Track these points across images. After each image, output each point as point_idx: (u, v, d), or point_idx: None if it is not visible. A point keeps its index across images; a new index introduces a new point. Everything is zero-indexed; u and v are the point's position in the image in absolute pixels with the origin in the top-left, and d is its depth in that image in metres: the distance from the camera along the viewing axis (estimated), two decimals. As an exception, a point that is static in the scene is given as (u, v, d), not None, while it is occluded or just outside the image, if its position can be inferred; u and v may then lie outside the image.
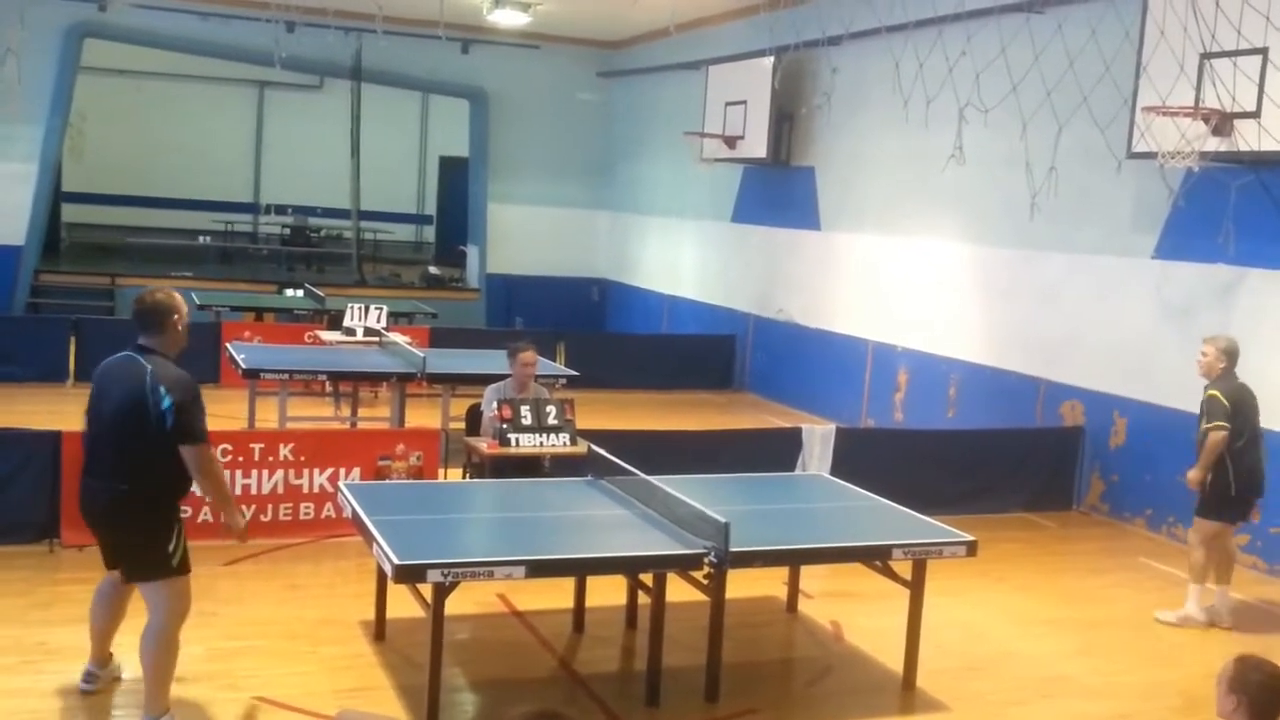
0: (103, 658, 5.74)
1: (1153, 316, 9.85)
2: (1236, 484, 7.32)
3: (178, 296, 5.65)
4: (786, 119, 14.50)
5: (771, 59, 14.03)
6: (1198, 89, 8.59)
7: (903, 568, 6.27)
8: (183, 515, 5.46)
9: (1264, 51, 8.18)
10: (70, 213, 21.34)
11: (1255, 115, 8.31)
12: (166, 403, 5.16)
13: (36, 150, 16.63)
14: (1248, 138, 8.41)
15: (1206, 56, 8.45)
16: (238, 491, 8.02)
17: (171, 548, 5.31)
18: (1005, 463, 10.16)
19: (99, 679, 5.69)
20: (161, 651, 5.31)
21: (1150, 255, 9.89)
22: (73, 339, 13.29)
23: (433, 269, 20.58)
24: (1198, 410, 7.52)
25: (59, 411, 10.37)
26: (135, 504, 5.25)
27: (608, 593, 6.78)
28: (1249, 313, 9.06)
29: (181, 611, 5.42)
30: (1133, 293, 10.05)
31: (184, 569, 5.40)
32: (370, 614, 6.58)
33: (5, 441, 7.84)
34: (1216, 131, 8.55)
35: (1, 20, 14.79)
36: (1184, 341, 9.49)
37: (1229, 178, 8.92)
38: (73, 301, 16.31)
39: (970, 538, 6.20)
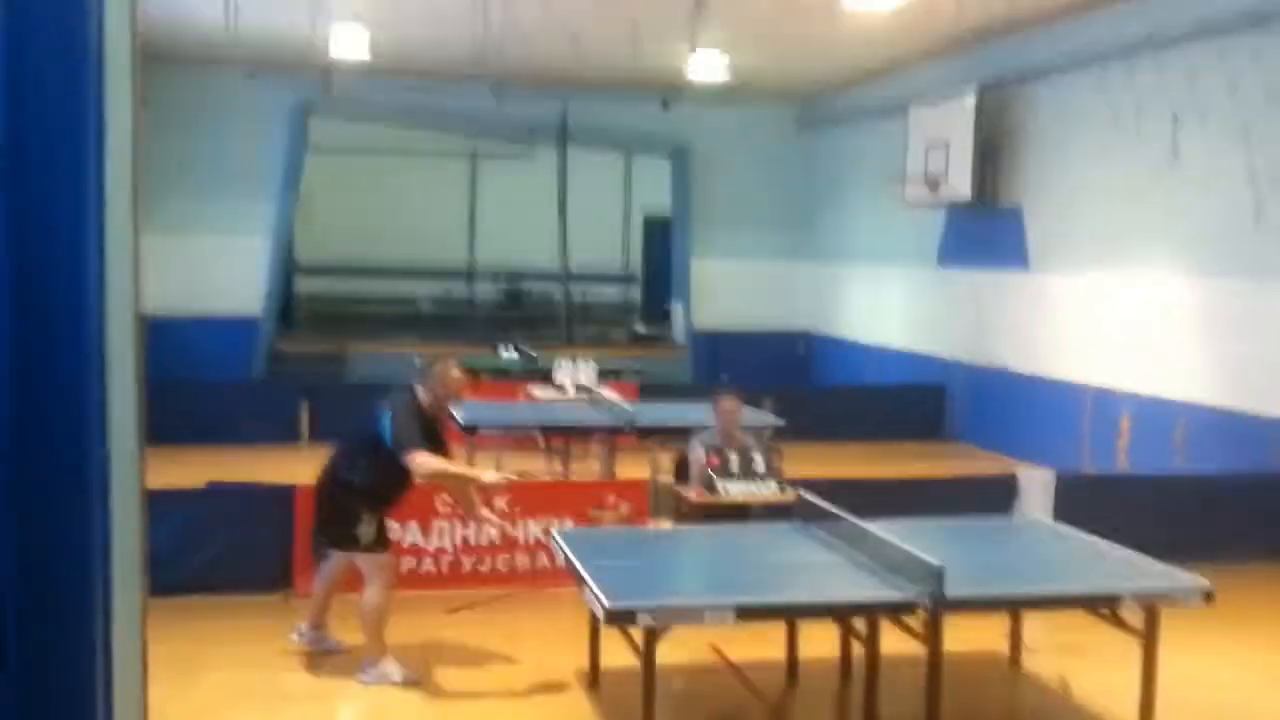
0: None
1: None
2: None
3: (449, 370, 6.76)
4: (990, 158, 14.18)
5: (973, 97, 13.81)
6: None
7: (1133, 617, 5.96)
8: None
9: None
10: (302, 284, 22.67)
11: None
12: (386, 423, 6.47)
13: (270, 225, 17.77)
14: None
15: None
16: (458, 542, 8.30)
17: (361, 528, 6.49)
18: (1242, 509, 9.55)
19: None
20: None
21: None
22: (305, 403, 14.07)
23: (639, 327, 20.88)
24: None
25: (294, 471, 10.92)
26: None
27: (821, 645, 6.68)
28: None
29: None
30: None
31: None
32: (585, 662, 6.67)
33: (246, 496, 8.33)
34: None
35: (228, 103, 16.01)
36: None
37: None
38: (306, 369, 17.26)
39: (1206, 583, 5.86)
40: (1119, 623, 6.02)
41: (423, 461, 6.42)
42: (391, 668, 6.53)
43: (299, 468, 11.24)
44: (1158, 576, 6.06)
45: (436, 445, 6.70)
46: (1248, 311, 10.65)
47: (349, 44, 14.90)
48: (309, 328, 20.97)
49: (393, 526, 7.18)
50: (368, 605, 6.51)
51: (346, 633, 7.09)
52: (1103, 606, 6.00)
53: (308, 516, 8.01)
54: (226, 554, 8.04)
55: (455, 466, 6.95)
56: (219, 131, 17.06)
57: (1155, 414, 11.73)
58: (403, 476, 6.57)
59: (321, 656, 6.92)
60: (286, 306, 20.26)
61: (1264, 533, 9.54)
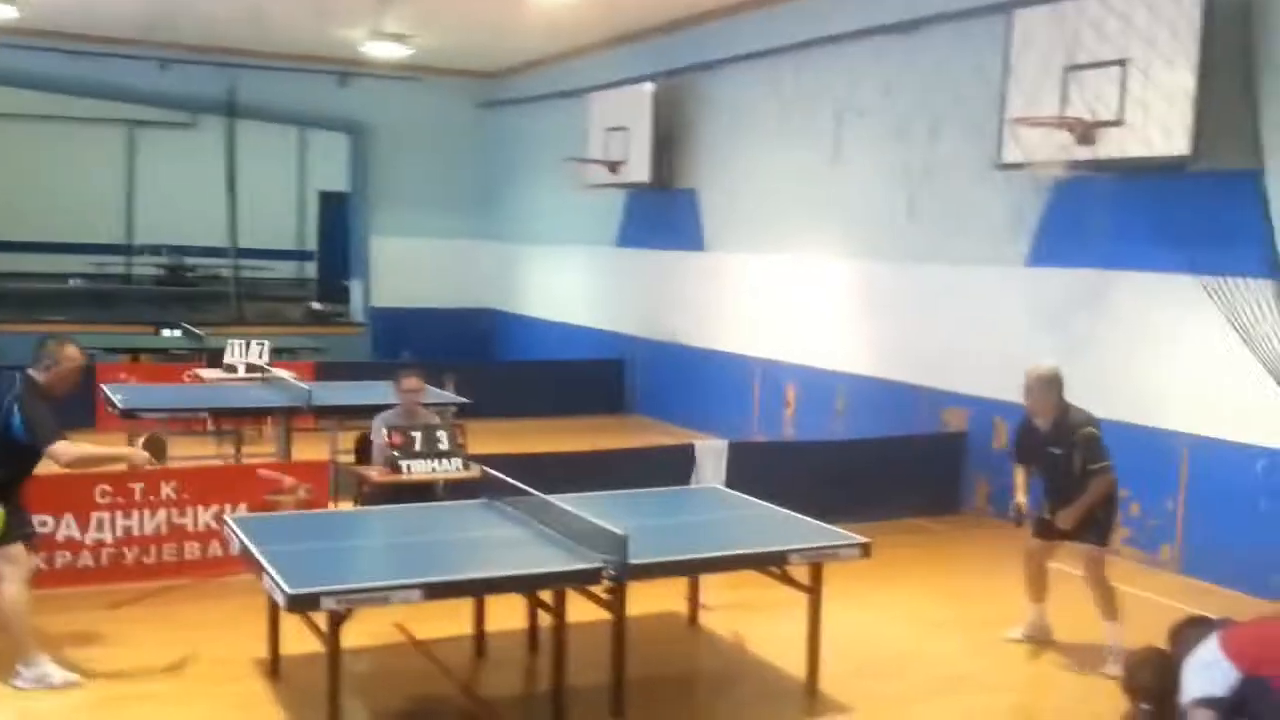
0: None
1: (1029, 322, 10.13)
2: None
3: (64, 347, 6.27)
4: (667, 143, 14.64)
5: (651, 85, 14.20)
6: (1062, 100, 8.90)
7: (800, 574, 6.32)
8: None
9: (1124, 62, 8.52)
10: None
11: (1118, 124, 8.63)
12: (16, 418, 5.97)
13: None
14: (1111, 146, 8.74)
15: (1070, 69, 8.80)
16: (119, 534, 7.76)
17: None
18: (895, 470, 10.33)
19: None
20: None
21: (1024, 263, 10.19)
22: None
23: (315, 305, 20.24)
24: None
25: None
26: None
27: (508, 617, 6.71)
28: (1119, 315, 9.40)
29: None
30: (1009, 300, 10.35)
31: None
32: (264, 651, 6.40)
33: None
34: (1082, 140, 8.86)
35: None
36: (1058, 345, 9.77)
37: (1095, 184, 9.26)
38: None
39: (864, 539, 6.29)
40: (787, 579, 6.37)
41: (64, 451, 6.03)
42: (49, 668, 6.05)
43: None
44: (821, 535, 6.46)
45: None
46: (900, 292, 11.52)
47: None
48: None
49: (33, 519, 6.50)
50: (6, 603, 6.00)
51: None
52: (772, 565, 6.33)
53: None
54: None
55: (100, 450, 6.53)
56: None
57: (818, 384, 12.52)
58: (29, 467, 6.19)
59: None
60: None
61: (914, 490, 10.37)
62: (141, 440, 6.36)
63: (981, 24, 9.69)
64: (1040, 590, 7.28)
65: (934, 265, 11.11)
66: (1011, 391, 10.21)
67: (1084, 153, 8.87)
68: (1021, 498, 7.20)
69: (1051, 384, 7.00)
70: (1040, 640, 7.24)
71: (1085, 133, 8.80)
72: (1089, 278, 9.61)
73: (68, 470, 6.37)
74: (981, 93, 9.39)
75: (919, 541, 9.70)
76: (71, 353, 6.27)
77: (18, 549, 6.10)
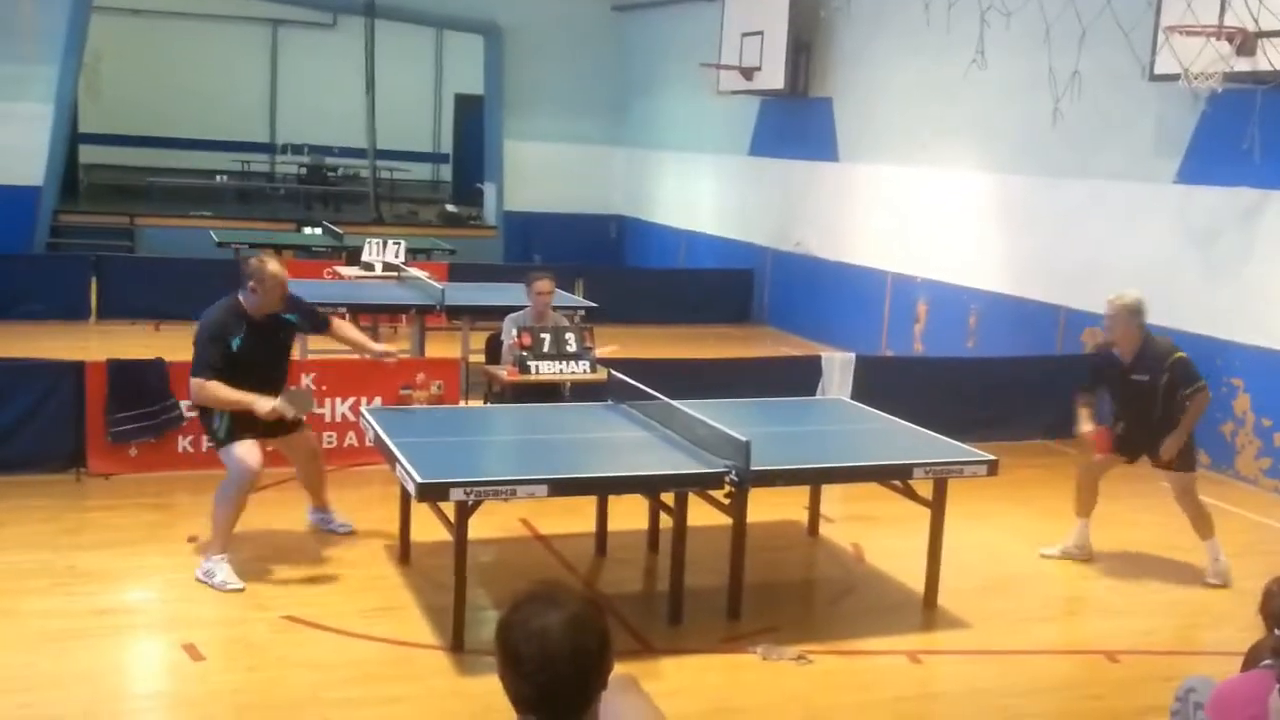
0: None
1: (1175, 242, 9.77)
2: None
3: (265, 265, 6.36)
4: (804, 49, 14.34)
5: (789, -13, 13.89)
6: (1221, 7, 8.44)
7: (923, 489, 6.29)
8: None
9: (1292, -33, 8.04)
10: (87, 154, 21.38)
11: (1281, 34, 8.18)
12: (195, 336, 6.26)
13: (52, 91, 16.58)
14: (1273, 57, 8.28)
15: (1232, -27, 8.33)
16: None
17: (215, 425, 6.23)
18: (1026, 391, 10.13)
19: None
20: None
21: (1172, 180, 9.79)
22: (94, 278, 13.36)
23: (450, 207, 20.52)
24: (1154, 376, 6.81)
25: (83, 347, 10.45)
26: None
27: (630, 517, 6.84)
28: (1273, 236, 8.99)
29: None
30: (1154, 218, 9.97)
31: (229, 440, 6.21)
32: (395, 538, 6.65)
33: (31, 371, 7.91)
34: (1241, 51, 8.42)
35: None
36: (1206, 267, 9.44)
37: (1253, 99, 8.80)
38: (92, 241, 16.35)
39: (990, 457, 6.22)
40: (910, 493, 6.35)
41: (198, 388, 6.14)
42: (217, 568, 6.10)
43: (88, 343, 10.76)
44: (946, 450, 6.40)
45: (264, 357, 6.31)
46: (1040, 207, 11.19)
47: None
48: (95, 199, 19.84)
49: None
50: (216, 497, 6.23)
51: (150, 512, 6.89)
52: (896, 479, 6.30)
53: (99, 393, 7.70)
54: (13, 432, 7.66)
55: (232, 394, 6.12)
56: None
57: (950, 300, 12.29)
58: (243, 374, 6.17)
59: (112, 534, 6.69)
60: (71, 177, 19.07)
61: (1045, 411, 10.15)
62: (284, 392, 6.32)
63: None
64: (1089, 506, 7.22)
65: (1077, 180, 10.74)
66: (1154, 313, 9.93)
67: (1244, 64, 8.43)
68: (1089, 426, 7.06)
69: (1136, 313, 6.86)
70: (1079, 558, 7.17)
71: (1246, 43, 8.35)
72: (1242, 197, 9.20)
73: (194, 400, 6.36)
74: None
75: (1048, 463, 9.54)
76: (274, 269, 6.30)
77: (242, 447, 6.17)
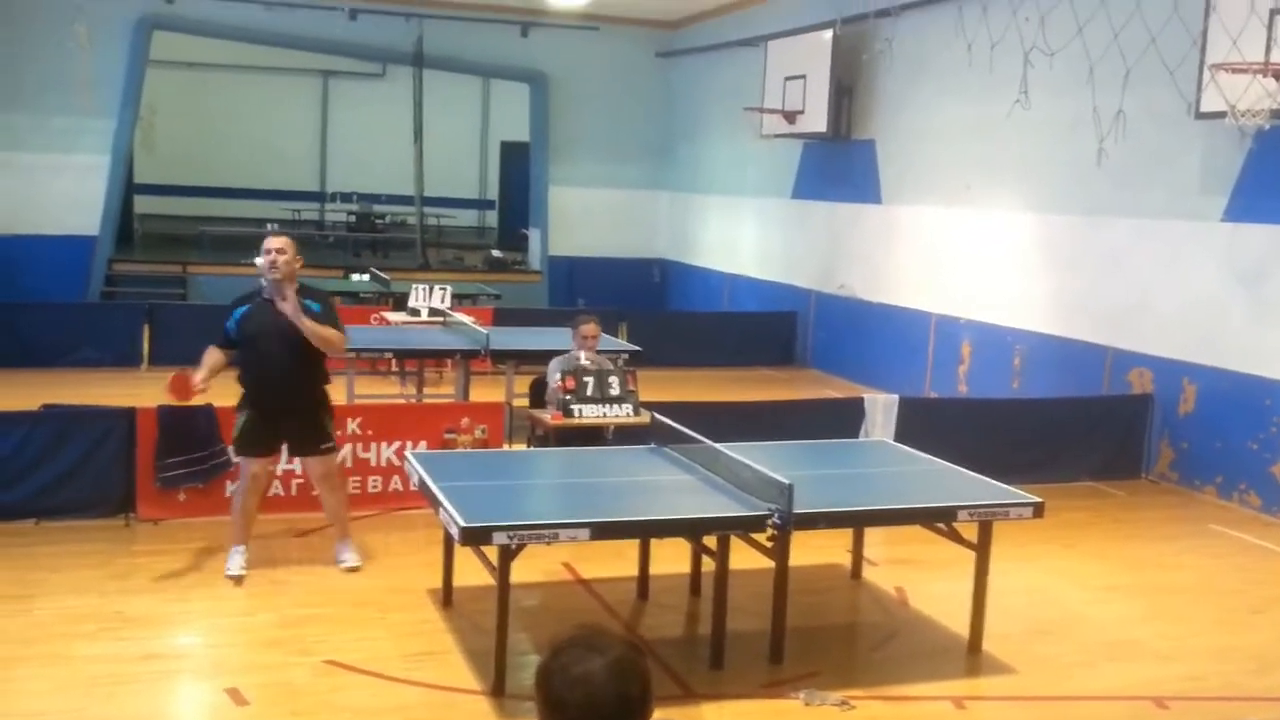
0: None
1: (1222, 281, 9.66)
2: None
3: (267, 238, 6.94)
4: (846, 92, 14.41)
5: (830, 31, 13.96)
6: (1268, 44, 8.39)
7: (968, 531, 6.22)
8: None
9: (1336, 4, 8.00)
10: (142, 204, 21.83)
11: (1328, 70, 8.12)
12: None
13: (109, 143, 16.99)
14: (1320, 94, 8.22)
15: (1279, 11, 8.28)
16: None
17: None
18: (1073, 431, 10.04)
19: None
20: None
21: (1219, 218, 9.70)
22: (147, 325, 13.61)
23: (495, 252, 20.71)
24: None
25: (135, 394, 10.59)
26: None
27: (672, 560, 6.82)
28: (1323, 274, 8.88)
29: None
30: (1201, 257, 9.88)
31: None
32: (438, 582, 6.68)
33: (83, 419, 8.04)
34: (1288, 88, 8.36)
35: (71, 15, 15.16)
36: (1254, 306, 9.33)
37: (1301, 136, 8.73)
38: (146, 289, 16.65)
39: (1036, 499, 6.15)
40: (955, 536, 6.28)
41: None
42: (232, 559, 6.87)
43: (140, 390, 10.92)
44: (991, 492, 6.34)
45: (276, 335, 6.69)
46: (1085, 247, 11.11)
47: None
48: (149, 248, 20.25)
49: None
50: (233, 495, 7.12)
51: (195, 557, 6.98)
52: (940, 521, 6.24)
53: (149, 440, 7.82)
54: (66, 478, 7.78)
55: (204, 361, 6.77)
56: (57, 46, 16.14)
57: (995, 341, 12.21)
58: (251, 367, 6.87)
59: (165, 581, 6.78)
60: (126, 227, 19.48)
61: (1093, 452, 10.07)
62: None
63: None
64: None
65: (1122, 218, 10.67)
66: (1202, 353, 9.84)
67: (1290, 102, 8.37)
68: None
69: None
70: None
71: (1293, 80, 8.29)
72: (1292, 235, 9.10)
73: None
74: (1179, 35, 8.92)
75: (1095, 505, 9.43)
76: (267, 242, 6.83)
77: (245, 461, 6.93)
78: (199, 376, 6.62)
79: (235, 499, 7.05)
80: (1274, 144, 8.96)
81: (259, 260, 6.75)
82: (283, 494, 8.11)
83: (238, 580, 6.78)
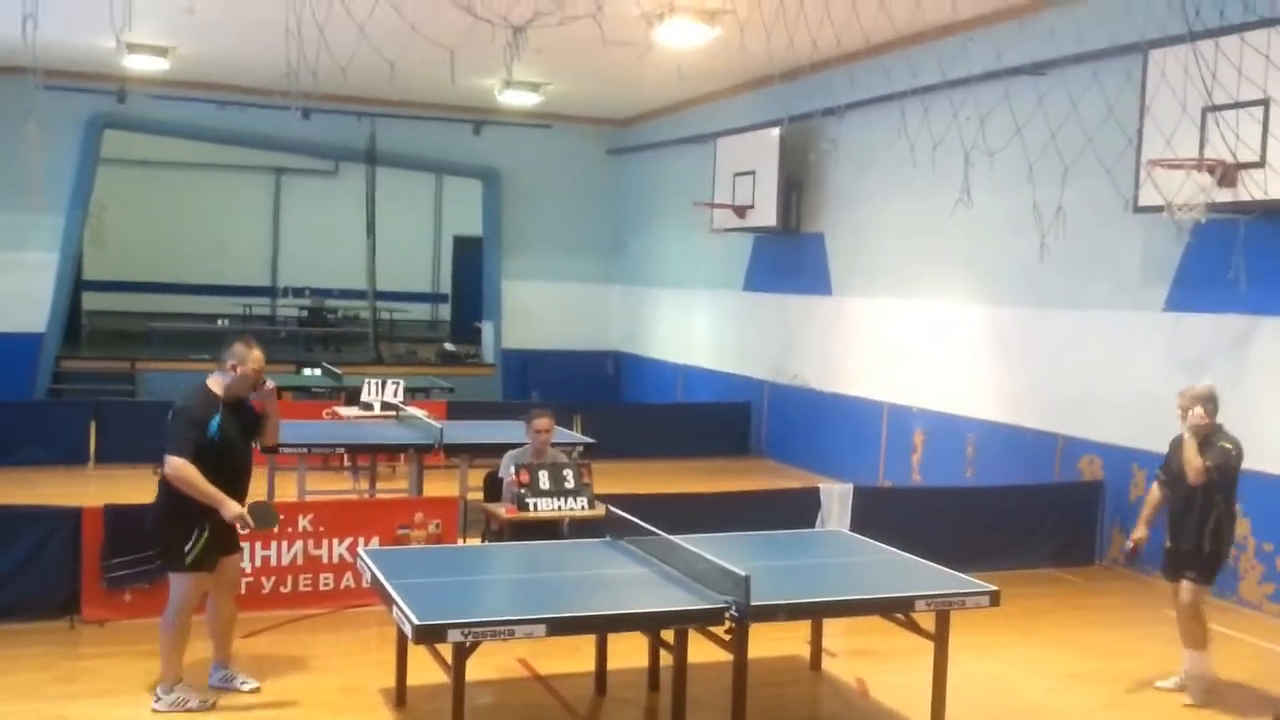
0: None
1: (1166, 368, 9.83)
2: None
3: (250, 349, 6.47)
4: (795, 187, 14.67)
5: (778, 129, 14.25)
6: (1201, 141, 8.68)
7: (926, 620, 6.22)
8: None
9: (1266, 102, 8.29)
10: (91, 300, 21.65)
11: (1261, 165, 8.39)
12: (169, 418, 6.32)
13: (58, 240, 16.92)
14: (1253, 188, 8.48)
15: (1210, 109, 8.56)
16: (257, 564, 8.04)
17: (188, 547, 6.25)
18: (1027, 518, 10.12)
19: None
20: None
21: (1161, 308, 9.92)
22: (93, 423, 13.42)
23: (449, 346, 20.72)
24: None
25: (81, 493, 10.42)
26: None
27: (629, 655, 6.75)
28: (1262, 361, 9.07)
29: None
30: (1145, 346, 10.07)
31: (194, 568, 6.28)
32: (391, 681, 6.56)
33: (28, 518, 7.88)
34: (1223, 182, 8.62)
35: (21, 114, 15.14)
36: (1200, 392, 9.49)
37: (1236, 228, 8.98)
38: (94, 386, 16.46)
39: (993, 588, 6.16)
40: (913, 626, 6.28)
41: (177, 467, 6.16)
42: (188, 694, 6.29)
43: (86, 488, 10.75)
44: (948, 581, 6.35)
45: (241, 437, 6.49)
46: (1032, 337, 11.31)
47: (147, 57, 14.46)
48: (97, 345, 20.05)
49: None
50: (166, 626, 6.29)
51: (144, 660, 6.80)
52: (898, 611, 6.24)
53: (95, 539, 7.66)
54: (9, 579, 7.60)
55: (206, 487, 6.21)
56: (6, 144, 16.11)
57: (947, 430, 12.32)
58: (219, 474, 6.29)
59: (106, 683, 6.59)
60: (74, 323, 19.30)
61: (1047, 539, 10.14)
62: (249, 504, 6.43)
63: (1115, 64, 9.51)
64: (1199, 636, 7.02)
65: (1067, 310, 10.89)
66: (1149, 439, 9.95)
67: (1225, 195, 8.63)
68: (1140, 533, 7.15)
69: (1207, 400, 6.88)
70: (1199, 690, 6.99)
71: (1226, 174, 8.56)
72: (1231, 324, 9.32)
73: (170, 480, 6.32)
74: (1115, 134, 9.20)
75: (1052, 592, 9.46)
76: (257, 355, 6.45)
77: (197, 579, 6.30)
78: (237, 512, 6.31)
79: (179, 625, 6.29)
80: (1211, 236, 9.21)
81: (241, 369, 6.39)
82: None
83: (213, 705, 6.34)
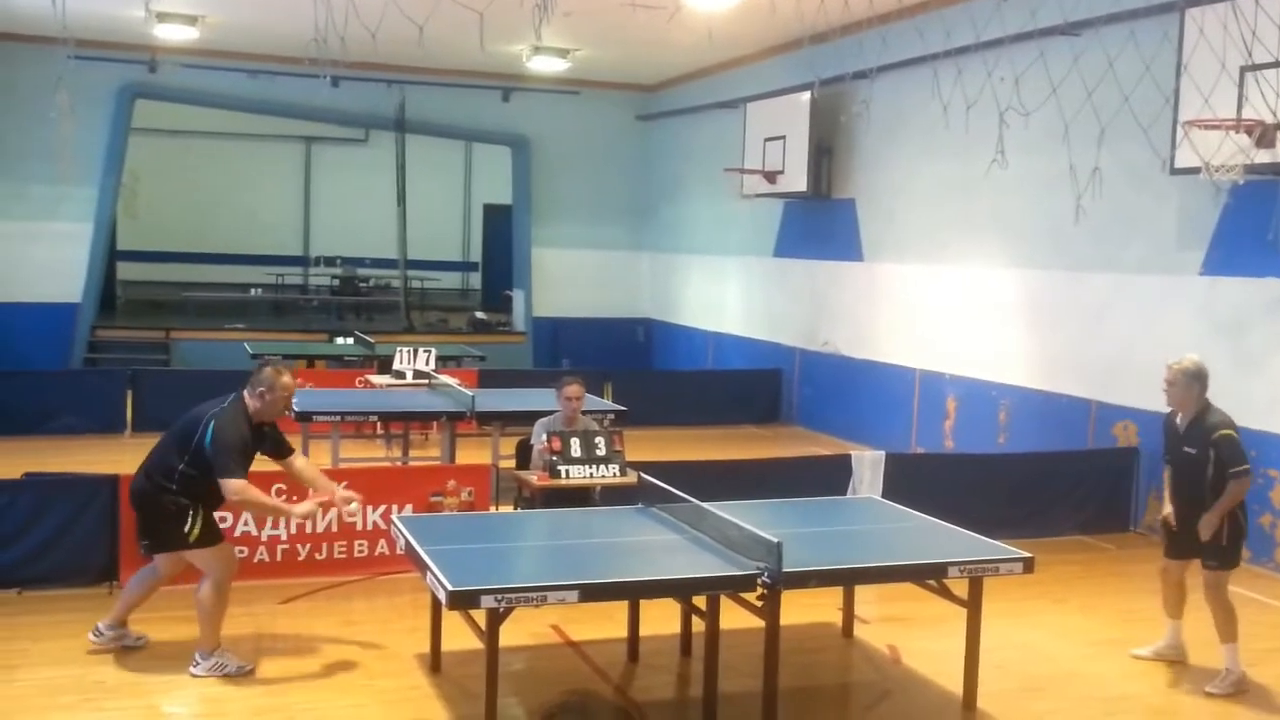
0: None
1: (1202, 334, 9.71)
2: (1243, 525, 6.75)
3: (280, 376, 6.46)
4: (826, 152, 14.55)
5: (809, 93, 14.13)
6: (1239, 100, 8.53)
7: (959, 587, 6.20)
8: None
9: (1306, 61, 8.13)
10: (125, 270, 21.84)
11: (1300, 125, 8.25)
12: (208, 436, 6.21)
13: (91, 210, 17.04)
14: (1293, 148, 8.34)
15: (1249, 68, 8.42)
16: (293, 531, 8.11)
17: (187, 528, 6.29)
18: (1060, 486, 10.06)
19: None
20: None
21: (1197, 272, 9.80)
22: (129, 391, 13.55)
23: (479, 314, 20.76)
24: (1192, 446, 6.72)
25: (118, 461, 10.52)
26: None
27: (662, 621, 6.77)
28: (1303, 325, 8.96)
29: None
30: (1181, 310, 9.96)
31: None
32: (425, 647, 6.61)
33: (65, 486, 7.98)
34: (1261, 142, 8.48)
35: (53, 84, 15.23)
36: (1234, 358, 9.38)
37: (1275, 189, 8.84)
38: (128, 355, 16.61)
39: (1027, 554, 6.13)
40: (946, 593, 6.26)
41: (238, 490, 6.20)
42: (226, 659, 6.37)
43: (123, 457, 10.84)
44: (981, 548, 6.32)
45: (267, 453, 6.59)
46: (1066, 301, 11.20)
47: (177, 26, 14.49)
48: (132, 314, 20.23)
49: (224, 516, 6.94)
50: (203, 598, 6.35)
51: (182, 626, 6.89)
52: (930, 578, 6.22)
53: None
54: (48, 547, 7.70)
55: (269, 500, 6.64)
56: (39, 114, 16.22)
57: (980, 396, 12.25)
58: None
59: (147, 649, 6.68)
60: (109, 293, 19.48)
61: (1080, 506, 10.07)
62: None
63: (1152, 23, 9.37)
64: (1177, 607, 7.01)
65: (1101, 273, 10.77)
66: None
67: (1264, 156, 8.49)
68: (1168, 509, 6.97)
69: (1194, 378, 6.75)
70: (1171, 660, 6.97)
71: (1265, 135, 8.42)
72: (1270, 287, 9.19)
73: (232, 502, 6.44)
74: (1152, 95, 9.06)
75: (1085, 559, 9.41)
76: (286, 382, 6.44)
77: (218, 549, 6.44)
78: (316, 502, 6.56)
79: (218, 597, 6.37)
80: (1248, 198, 9.08)
81: (270, 396, 6.38)
82: (268, 560, 8.05)
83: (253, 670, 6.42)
